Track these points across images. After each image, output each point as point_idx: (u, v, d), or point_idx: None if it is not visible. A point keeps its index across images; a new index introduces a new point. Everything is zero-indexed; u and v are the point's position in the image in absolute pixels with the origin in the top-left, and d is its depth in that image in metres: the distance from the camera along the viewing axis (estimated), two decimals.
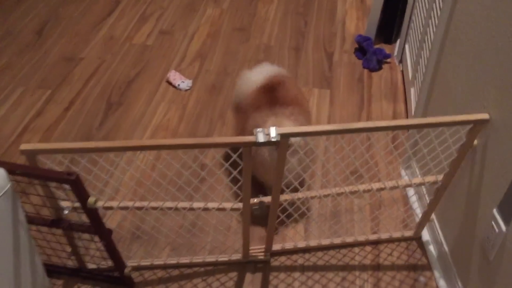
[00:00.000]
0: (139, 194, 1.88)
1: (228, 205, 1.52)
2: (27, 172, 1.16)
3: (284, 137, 1.25)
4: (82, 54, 2.68)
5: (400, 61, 2.63)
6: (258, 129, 1.24)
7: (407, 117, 2.29)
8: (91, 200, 1.21)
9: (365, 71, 2.60)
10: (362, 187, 1.58)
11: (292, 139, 1.58)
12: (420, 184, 1.56)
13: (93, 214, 1.25)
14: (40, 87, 2.46)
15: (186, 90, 2.44)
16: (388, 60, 2.66)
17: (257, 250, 1.70)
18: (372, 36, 2.72)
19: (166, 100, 2.38)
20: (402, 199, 1.92)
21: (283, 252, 1.72)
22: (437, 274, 1.64)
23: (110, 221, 1.78)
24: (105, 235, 1.35)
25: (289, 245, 1.71)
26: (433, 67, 1.73)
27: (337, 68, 2.62)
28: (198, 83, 2.49)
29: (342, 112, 2.34)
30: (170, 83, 2.47)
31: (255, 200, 1.54)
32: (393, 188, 1.56)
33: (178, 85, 2.44)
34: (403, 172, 2.03)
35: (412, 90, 2.23)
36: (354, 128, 1.28)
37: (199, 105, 2.36)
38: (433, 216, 1.71)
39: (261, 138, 1.22)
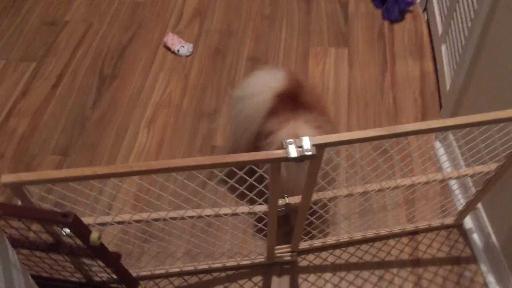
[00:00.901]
0: (138, 208, 1.68)
1: (257, 208, 1.32)
2: (12, 213, 0.95)
3: (320, 148, 1.03)
4: (66, 17, 2.37)
5: (425, 9, 2.34)
6: (289, 141, 1.01)
7: (437, 78, 2.05)
8: (94, 237, 1.01)
9: (386, 22, 2.32)
10: (402, 182, 1.38)
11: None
12: (468, 175, 1.36)
13: (97, 249, 1.05)
14: (23, 60, 2.19)
15: (187, 56, 2.17)
16: (411, 8, 2.36)
17: (282, 250, 1.52)
18: None
19: (165, 70, 2.12)
20: (439, 184, 1.71)
21: (311, 250, 1.55)
22: (484, 268, 1.48)
23: (113, 236, 1.59)
24: (112, 262, 1.17)
25: (317, 242, 1.54)
26: (479, 31, 1.47)
27: (353, 20, 2.33)
28: (199, 46, 2.22)
29: (364, 75, 2.09)
30: (168, 49, 2.20)
31: (280, 201, 1.34)
32: (438, 181, 1.36)
33: (178, 50, 2.17)
34: (437, 144, 1.82)
35: (444, 47, 1.97)
36: (405, 132, 1.06)
37: (203, 73, 2.11)
38: (478, 204, 1.52)
39: (293, 152, 1.00)
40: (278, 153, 1.01)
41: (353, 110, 1.96)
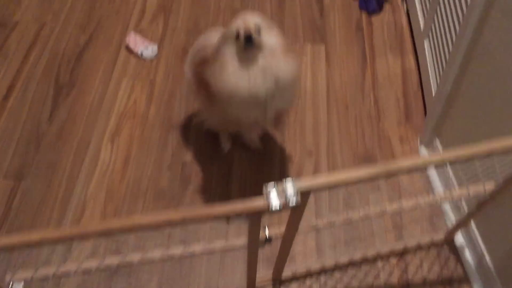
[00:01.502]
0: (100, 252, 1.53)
1: (235, 242, 1.19)
2: None
3: (306, 194, 0.90)
4: (16, 16, 2.15)
5: None
6: (269, 184, 0.88)
7: (419, 75, 1.93)
8: None
9: (363, 14, 2.18)
10: (390, 207, 1.27)
11: (267, 41, 1.24)
12: (461, 196, 1.26)
13: None
14: None
15: (151, 59, 1.99)
16: None
17: (263, 280, 1.41)
18: None
19: (128, 75, 1.94)
20: (427, 191, 1.61)
21: (295, 278, 1.43)
22: None
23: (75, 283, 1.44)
24: None
25: (301, 269, 1.43)
26: (469, 37, 1.34)
27: (329, 13, 2.18)
28: (165, 47, 2.04)
29: (342, 74, 1.95)
30: (130, 51, 2.01)
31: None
32: (428, 204, 1.26)
33: (141, 53, 1.98)
34: (422, 150, 1.72)
35: (426, 43, 1.84)
36: (399, 169, 0.94)
37: (169, 78, 1.94)
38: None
39: (274, 201, 0.87)
40: (258, 204, 0.87)
41: (333, 114, 1.83)
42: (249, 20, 1.25)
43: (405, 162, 0.94)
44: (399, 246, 1.47)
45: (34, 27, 2.11)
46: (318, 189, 0.90)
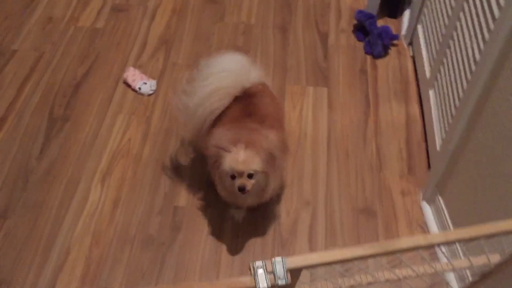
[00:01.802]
0: None
1: None
2: None
3: (296, 274, 0.83)
4: (14, 45, 2.11)
5: (410, 43, 2.16)
6: (257, 264, 0.81)
7: (424, 124, 1.87)
8: None
9: (368, 57, 2.13)
10: (389, 276, 1.19)
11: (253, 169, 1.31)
12: (465, 268, 1.19)
13: None
14: None
15: (149, 95, 1.95)
16: (395, 41, 2.18)
17: None
18: (374, 9, 2.22)
19: (124, 111, 1.89)
20: (429, 259, 1.54)
21: None
22: None
23: None
24: None
25: None
26: (479, 93, 1.29)
27: (334, 54, 2.14)
28: (164, 83, 2.00)
29: (345, 120, 1.90)
30: (128, 85, 1.97)
31: None
32: (430, 273, 1.18)
33: (139, 88, 1.94)
34: (424, 205, 1.65)
35: (432, 93, 1.79)
36: (399, 249, 0.87)
37: (166, 116, 1.88)
38: None
39: (263, 282, 0.80)
40: (244, 282, 0.80)
41: (333, 161, 1.77)
42: (244, 164, 1.27)
43: (405, 243, 0.88)
44: None
45: (32, 57, 2.07)
46: (308, 267, 0.83)
